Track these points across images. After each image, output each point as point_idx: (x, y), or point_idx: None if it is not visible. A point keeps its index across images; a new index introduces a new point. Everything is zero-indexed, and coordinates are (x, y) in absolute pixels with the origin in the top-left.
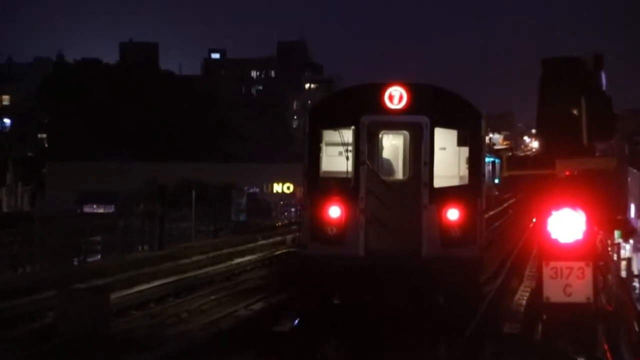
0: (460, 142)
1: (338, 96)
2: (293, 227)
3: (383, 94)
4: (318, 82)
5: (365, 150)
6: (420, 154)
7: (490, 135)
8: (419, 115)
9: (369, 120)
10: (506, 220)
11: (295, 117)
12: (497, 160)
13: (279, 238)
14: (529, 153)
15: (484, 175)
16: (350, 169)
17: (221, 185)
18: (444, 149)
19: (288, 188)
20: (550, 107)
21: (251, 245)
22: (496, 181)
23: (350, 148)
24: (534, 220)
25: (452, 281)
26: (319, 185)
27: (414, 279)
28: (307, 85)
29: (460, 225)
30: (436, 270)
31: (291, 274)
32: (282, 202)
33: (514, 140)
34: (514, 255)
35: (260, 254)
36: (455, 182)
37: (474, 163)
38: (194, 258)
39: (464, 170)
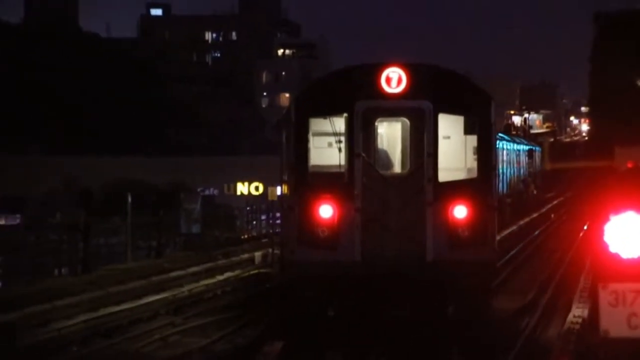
0: (468, 130)
1: (328, 79)
2: (264, 240)
3: (379, 76)
4: (295, 47)
5: (361, 140)
6: (422, 144)
7: (526, 115)
8: (421, 99)
9: (364, 107)
10: (549, 227)
11: (265, 93)
12: (536, 149)
13: (245, 256)
14: (577, 138)
15: (494, 167)
16: (343, 162)
17: (167, 187)
18: (449, 137)
19: (257, 189)
20: (607, 76)
21: (208, 265)
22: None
23: (342, 138)
24: (586, 227)
25: (462, 288)
26: (308, 181)
27: (418, 286)
28: (280, 51)
29: (470, 224)
30: (443, 275)
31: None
32: (249, 208)
33: (558, 121)
34: (559, 274)
35: (220, 278)
36: (462, 176)
37: (484, 153)
38: (131, 284)
39: (472, 162)
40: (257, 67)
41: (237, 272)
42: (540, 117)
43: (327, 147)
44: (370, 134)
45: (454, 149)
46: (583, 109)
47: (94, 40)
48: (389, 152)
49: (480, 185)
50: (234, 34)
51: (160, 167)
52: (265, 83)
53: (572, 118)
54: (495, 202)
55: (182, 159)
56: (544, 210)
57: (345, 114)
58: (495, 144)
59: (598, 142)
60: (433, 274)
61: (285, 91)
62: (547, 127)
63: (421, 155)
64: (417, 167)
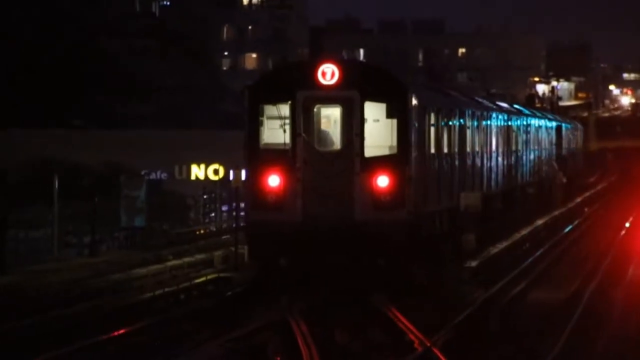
0: (389, 115)
1: (275, 73)
2: (225, 237)
3: (316, 71)
4: None
5: (301, 123)
6: (352, 126)
7: (554, 83)
8: (350, 90)
9: (303, 96)
10: (582, 223)
11: (226, 53)
12: (564, 126)
13: (201, 256)
14: (618, 113)
15: (411, 145)
16: (288, 140)
17: (102, 168)
18: (378, 120)
19: (215, 172)
20: None
21: (155, 268)
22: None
23: (287, 121)
24: (629, 224)
25: (383, 242)
26: (260, 156)
27: (349, 240)
28: (245, 0)
29: (390, 191)
30: (368, 232)
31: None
32: (205, 196)
33: (593, 91)
34: (591, 287)
35: (170, 284)
36: (385, 152)
37: (402, 133)
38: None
39: (394, 141)
40: (216, 20)
41: (191, 276)
42: (572, 85)
43: (276, 128)
44: (310, 118)
45: (380, 130)
46: (625, 75)
47: None
48: (326, 132)
49: (399, 159)
50: None
51: (94, 144)
52: (227, 40)
53: (611, 87)
54: (412, 173)
55: (122, 133)
56: (577, 201)
57: (289, 102)
58: (412, 126)
59: None
60: (360, 230)
61: (252, 50)
62: (580, 99)
63: (350, 135)
64: (347, 144)
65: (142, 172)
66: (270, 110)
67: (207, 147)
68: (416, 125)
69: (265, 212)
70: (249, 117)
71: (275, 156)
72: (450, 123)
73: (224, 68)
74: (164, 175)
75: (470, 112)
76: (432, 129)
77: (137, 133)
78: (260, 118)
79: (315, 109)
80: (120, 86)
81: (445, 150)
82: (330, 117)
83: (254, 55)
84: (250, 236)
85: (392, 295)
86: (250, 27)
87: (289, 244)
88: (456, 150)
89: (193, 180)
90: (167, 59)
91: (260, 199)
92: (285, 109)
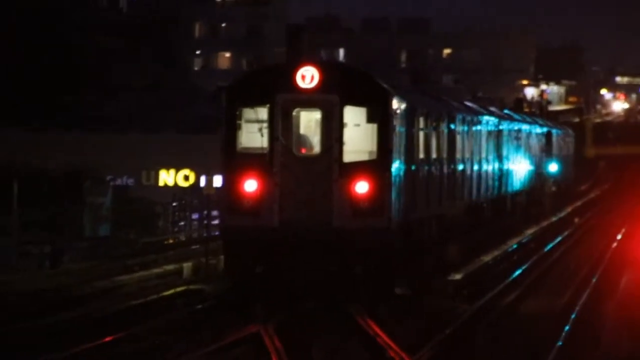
0: (370, 119)
1: (253, 74)
2: (195, 247)
3: (295, 74)
4: None
5: (279, 126)
6: (331, 131)
7: (543, 86)
8: (330, 94)
9: (282, 99)
10: (573, 234)
11: (198, 52)
12: (555, 132)
13: (170, 267)
14: (610, 118)
15: (392, 150)
16: (265, 144)
17: (66, 172)
18: (358, 125)
19: (186, 178)
20: None
21: (122, 279)
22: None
23: (265, 125)
24: (620, 236)
25: (362, 250)
26: (236, 160)
27: (326, 247)
28: None
29: (369, 197)
30: (346, 239)
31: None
32: (175, 204)
33: (585, 95)
34: (581, 302)
35: (137, 297)
36: (365, 157)
37: (383, 139)
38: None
39: (375, 146)
40: (187, 15)
41: (159, 289)
42: (562, 89)
43: (254, 132)
44: (288, 122)
45: (360, 135)
46: (618, 79)
47: None
48: (305, 136)
49: (379, 165)
50: None
51: (54, 146)
52: (199, 38)
53: (603, 91)
54: (392, 180)
55: (84, 136)
56: (568, 211)
57: (267, 105)
58: (393, 131)
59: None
60: (338, 237)
61: (226, 49)
62: (571, 104)
63: (330, 140)
64: (326, 149)
65: (108, 178)
66: (248, 113)
67: (176, 150)
68: (404, 129)
69: (241, 218)
70: (226, 120)
71: (253, 160)
72: (440, 128)
73: (196, 68)
74: (129, 181)
75: (460, 117)
76: (421, 134)
77: (100, 136)
78: (238, 121)
79: (294, 113)
80: (82, 85)
81: (434, 155)
82: (310, 121)
83: (228, 55)
84: (226, 242)
85: (372, 307)
86: (224, 25)
87: (265, 250)
88: (445, 156)
89: (162, 187)
90: (133, 57)
91: (236, 204)
92: (263, 112)
